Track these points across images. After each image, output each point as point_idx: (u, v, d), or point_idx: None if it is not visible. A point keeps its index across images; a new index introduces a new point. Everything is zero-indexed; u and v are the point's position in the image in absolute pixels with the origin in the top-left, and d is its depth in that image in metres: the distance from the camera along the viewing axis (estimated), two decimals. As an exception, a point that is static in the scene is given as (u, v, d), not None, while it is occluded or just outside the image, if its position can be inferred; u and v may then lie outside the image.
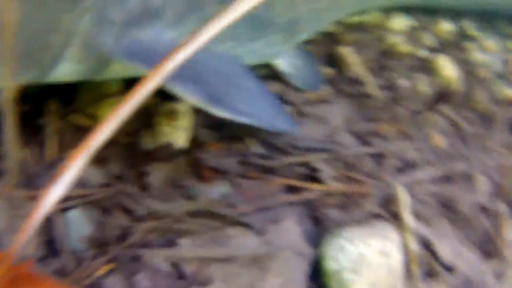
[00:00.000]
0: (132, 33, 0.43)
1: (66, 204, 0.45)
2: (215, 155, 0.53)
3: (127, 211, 0.47)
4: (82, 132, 0.50)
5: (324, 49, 0.74)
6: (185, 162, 0.52)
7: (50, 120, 0.53)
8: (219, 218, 0.48)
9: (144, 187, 0.49)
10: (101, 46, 0.42)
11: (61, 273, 0.41)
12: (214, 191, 0.50)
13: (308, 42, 0.71)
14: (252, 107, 0.43)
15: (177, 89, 0.40)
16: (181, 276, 0.43)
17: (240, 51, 0.50)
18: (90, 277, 0.41)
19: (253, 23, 0.50)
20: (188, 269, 0.44)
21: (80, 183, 0.46)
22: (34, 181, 0.48)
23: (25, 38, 0.38)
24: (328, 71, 0.71)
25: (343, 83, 0.69)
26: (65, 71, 0.43)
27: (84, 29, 0.41)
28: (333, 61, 0.73)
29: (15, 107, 0.39)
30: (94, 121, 0.54)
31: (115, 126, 0.26)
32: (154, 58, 0.40)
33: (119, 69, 0.46)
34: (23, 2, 0.37)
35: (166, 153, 0.52)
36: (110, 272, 0.42)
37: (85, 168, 0.28)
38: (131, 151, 0.52)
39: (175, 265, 0.44)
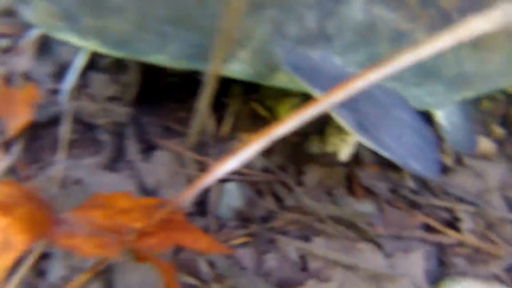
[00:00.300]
0: (302, 50, 0.46)
1: (227, 175, 0.52)
2: (370, 176, 0.55)
3: (278, 199, 0.52)
4: (256, 119, 0.58)
5: (500, 108, 0.71)
6: (342, 173, 0.55)
7: (232, 102, 0.60)
8: (356, 230, 0.50)
9: (299, 183, 0.53)
10: (272, 55, 0.45)
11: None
12: (360, 207, 0.53)
13: (485, 98, 0.69)
14: (396, 141, 0.43)
15: (332, 111, 0.42)
16: (304, 268, 0.47)
17: (401, 93, 0.50)
18: (227, 243, 0.47)
19: (420, 69, 0.49)
20: (313, 264, 0.47)
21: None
22: (203, 149, 0.55)
23: (210, 31, 0.43)
24: (498, 131, 0.68)
25: (510, 147, 0.66)
26: (236, 69, 0.47)
27: (260, 37, 0.44)
28: (507, 122, 0.69)
29: (214, 84, 0.46)
30: (270, 113, 0.60)
31: (294, 126, 0.31)
32: (317, 77, 0.43)
33: (284, 80, 0.49)
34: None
35: (328, 161, 0.55)
36: (245, 244, 0.47)
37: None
38: (297, 149, 0.57)
39: (303, 258, 0.48)
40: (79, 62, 0.56)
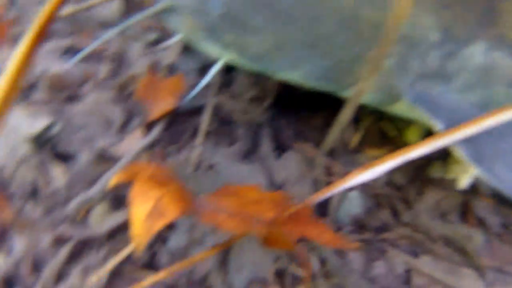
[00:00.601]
0: (423, 84, 0.49)
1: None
2: (484, 207, 0.57)
3: (394, 213, 0.56)
4: (383, 138, 0.62)
5: None
6: (458, 200, 0.57)
7: (364, 118, 0.64)
8: (463, 255, 0.53)
9: (416, 201, 0.57)
10: (396, 85, 0.49)
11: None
12: (470, 235, 0.54)
13: None
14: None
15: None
16: (407, 282, 0.50)
17: None
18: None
19: None
20: (417, 280, 0.50)
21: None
22: (332, 157, 0.60)
23: (341, 57, 0.48)
24: None
25: None
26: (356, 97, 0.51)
27: (388, 68, 0.48)
28: None
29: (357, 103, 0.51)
30: (398, 134, 0.63)
31: (423, 153, 0.35)
32: (438, 110, 0.46)
33: (404, 109, 0.52)
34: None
35: (446, 186, 0.58)
36: (357, 249, 0.52)
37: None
38: (419, 170, 0.60)
39: (408, 272, 0.51)
40: (222, 62, 0.61)
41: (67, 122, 0.62)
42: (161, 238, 0.51)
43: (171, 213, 0.37)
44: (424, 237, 0.54)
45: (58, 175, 0.57)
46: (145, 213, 0.37)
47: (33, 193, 0.56)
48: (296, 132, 0.62)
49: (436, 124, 0.45)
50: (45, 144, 0.60)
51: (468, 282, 0.51)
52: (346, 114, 0.52)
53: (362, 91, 0.48)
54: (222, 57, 0.53)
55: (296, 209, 0.43)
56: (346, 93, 0.52)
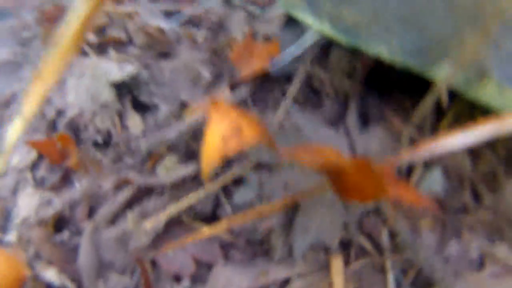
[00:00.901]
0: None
1: (436, 160, 0.54)
2: None
3: (476, 196, 0.52)
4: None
5: None
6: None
7: (456, 103, 0.60)
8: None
9: (501, 186, 0.52)
10: (486, 64, 0.46)
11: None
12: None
13: None
14: None
15: None
16: (481, 267, 0.47)
17: None
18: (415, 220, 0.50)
19: None
20: (491, 267, 0.47)
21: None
22: (421, 136, 0.57)
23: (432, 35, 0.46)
24: None
25: None
26: (447, 73, 0.49)
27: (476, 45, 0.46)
28: None
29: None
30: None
31: None
32: None
33: (491, 92, 0.48)
34: None
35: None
36: (432, 226, 0.49)
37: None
38: (508, 160, 0.55)
39: (483, 257, 0.48)
40: (316, 33, 0.61)
41: (154, 75, 0.65)
42: (227, 191, 0.51)
43: (248, 136, 0.36)
44: (504, 223, 0.50)
45: (135, 124, 0.60)
46: (221, 131, 0.35)
47: (106, 140, 0.59)
48: (383, 109, 0.60)
49: None
50: (127, 93, 0.63)
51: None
52: (436, 92, 0.50)
53: (455, 70, 0.47)
54: (318, 28, 0.54)
55: (378, 167, 0.40)
56: (432, 73, 0.50)
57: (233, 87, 0.62)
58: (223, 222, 0.46)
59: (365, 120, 0.59)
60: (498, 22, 0.45)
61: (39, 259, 0.48)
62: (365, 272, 0.47)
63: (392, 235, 0.48)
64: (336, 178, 0.40)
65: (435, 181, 0.52)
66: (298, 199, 0.48)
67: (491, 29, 0.45)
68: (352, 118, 0.58)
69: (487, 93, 0.49)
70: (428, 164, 0.53)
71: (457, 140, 0.38)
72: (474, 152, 0.54)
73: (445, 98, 0.49)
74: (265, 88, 0.62)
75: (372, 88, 0.62)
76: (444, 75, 0.49)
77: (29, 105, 0.33)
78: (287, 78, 0.63)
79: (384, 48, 0.50)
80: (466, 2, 0.45)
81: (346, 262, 0.47)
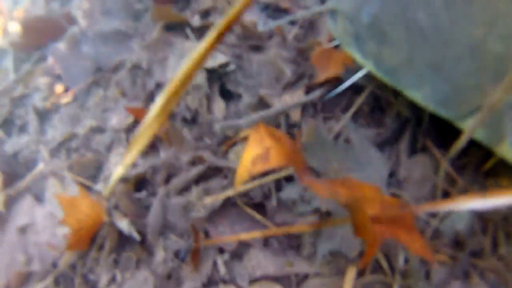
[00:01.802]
0: None
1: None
2: None
3: (495, 242, 0.57)
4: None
5: None
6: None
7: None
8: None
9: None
10: (502, 122, 0.48)
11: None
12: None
13: None
14: None
15: None
16: None
17: None
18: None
19: None
20: None
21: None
22: (460, 173, 0.61)
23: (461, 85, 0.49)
24: None
25: None
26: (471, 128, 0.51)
27: (497, 102, 0.47)
28: None
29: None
30: None
31: None
32: None
33: (507, 152, 0.51)
34: None
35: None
36: (444, 263, 0.55)
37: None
38: None
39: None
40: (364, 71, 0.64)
41: (243, 66, 0.73)
42: (277, 185, 0.59)
43: (274, 161, 0.46)
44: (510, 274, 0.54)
45: (219, 108, 0.69)
46: (253, 156, 0.45)
47: (194, 118, 0.68)
48: (437, 138, 0.64)
49: None
50: (217, 79, 0.72)
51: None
52: (458, 146, 0.54)
53: (477, 124, 0.49)
54: (363, 66, 0.58)
55: (400, 213, 0.47)
56: (462, 124, 0.53)
57: (308, 89, 0.69)
58: (269, 230, 0.55)
59: (416, 145, 0.63)
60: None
61: (117, 209, 0.60)
62: (375, 286, 0.54)
63: (407, 260, 0.54)
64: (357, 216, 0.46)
65: (461, 219, 0.57)
66: (324, 223, 0.55)
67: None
68: (404, 142, 0.63)
69: (506, 152, 0.51)
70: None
71: (486, 202, 0.43)
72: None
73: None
74: (336, 95, 0.69)
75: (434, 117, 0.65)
76: (469, 128, 0.51)
77: (128, 159, 0.44)
78: (356, 89, 0.68)
79: (418, 94, 0.53)
80: (491, 56, 0.47)
81: (361, 274, 0.54)
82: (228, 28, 0.40)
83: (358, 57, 0.58)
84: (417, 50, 0.52)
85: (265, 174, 0.60)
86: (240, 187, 0.59)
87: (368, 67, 0.58)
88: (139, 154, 0.45)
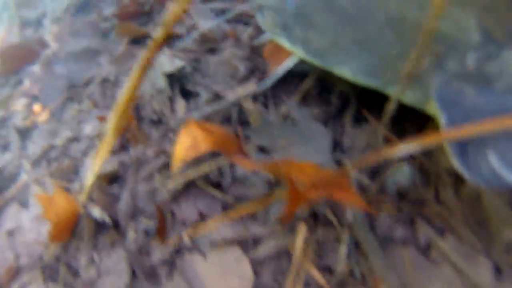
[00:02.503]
0: (455, 84, 0.49)
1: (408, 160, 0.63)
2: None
3: (437, 192, 0.60)
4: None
5: None
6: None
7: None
8: (491, 247, 0.56)
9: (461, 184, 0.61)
10: (429, 83, 0.51)
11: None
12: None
13: None
14: None
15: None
16: (425, 253, 0.56)
17: None
18: (375, 206, 0.60)
19: None
20: (434, 254, 0.56)
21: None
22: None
23: (385, 56, 0.53)
24: None
25: None
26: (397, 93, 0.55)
27: (426, 66, 0.51)
28: None
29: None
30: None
31: None
32: (455, 109, 0.46)
33: (434, 110, 0.52)
34: None
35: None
36: (389, 213, 0.60)
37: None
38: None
39: (428, 245, 0.57)
40: (294, 57, 0.69)
41: (201, 68, 0.80)
42: (231, 165, 0.66)
43: (203, 148, 0.54)
44: (455, 218, 0.57)
45: (180, 107, 0.75)
46: (184, 146, 0.52)
47: (159, 119, 0.75)
48: (375, 108, 0.69)
49: (441, 121, 0.46)
50: (177, 82, 0.79)
51: (480, 271, 0.54)
52: (389, 111, 0.58)
53: (402, 89, 0.53)
54: (294, 52, 0.63)
55: (334, 176, 0.52)
56: (390, 91, 0.56)
57: (258, 81, 0.75)
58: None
59: (361, 117, 0.69)
60: (441, 43, 0.50)
61: (91, 201, 0.66)
62: (326, 241, 0.57)
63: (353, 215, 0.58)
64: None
65: (403, 176, 0.61)
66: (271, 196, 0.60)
67: (431, 49, 0.50)
68: (348, 115, 0.69)
69: (433, 110, 0.53)
70: (400, 160, 0.62)
71: (401, 149, 0.49)
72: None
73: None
74: (282, 82, 0.75)
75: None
76: (395, 93, 0.55)
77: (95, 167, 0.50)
78: (305, 77, 0.75)
79: (346, 70, 0.57)
80: (409, 24, 0.52)
81: (313, 231, 0.58)
82: (163, 42, 0.49)
83: (288, 45, 0.63)
84: (342, 29, 0.57)
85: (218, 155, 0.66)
86: (199, 170, 0.65)
87: (298, 52, 0.62)
88: (105, 160, 0.53)
